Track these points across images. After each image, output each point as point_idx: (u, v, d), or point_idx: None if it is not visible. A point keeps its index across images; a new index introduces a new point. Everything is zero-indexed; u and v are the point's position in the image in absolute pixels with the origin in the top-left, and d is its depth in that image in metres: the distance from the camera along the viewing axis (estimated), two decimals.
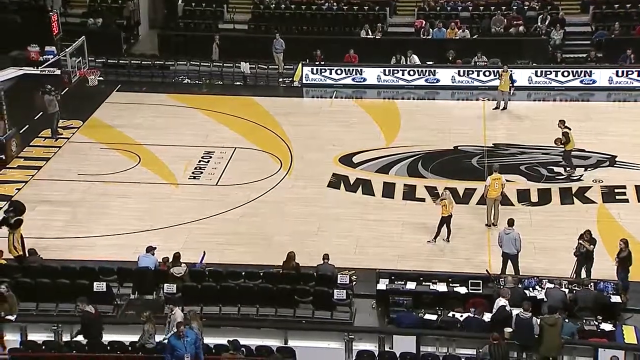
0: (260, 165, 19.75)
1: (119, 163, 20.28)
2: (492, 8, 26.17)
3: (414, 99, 23.47)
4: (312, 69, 24.56)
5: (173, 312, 12.91)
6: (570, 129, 18.42)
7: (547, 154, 19.70)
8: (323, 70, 24.49)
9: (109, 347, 12.54)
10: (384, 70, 24.23)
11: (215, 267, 15.16)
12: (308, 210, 17.70)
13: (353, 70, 24.34)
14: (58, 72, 22.37)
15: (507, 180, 17.48)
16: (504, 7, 26.05)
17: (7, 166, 19.84)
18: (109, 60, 25.95)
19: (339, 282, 14.12)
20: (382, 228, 16.86)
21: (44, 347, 12.80)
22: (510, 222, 14.95)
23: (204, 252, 15.53)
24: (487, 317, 12.81)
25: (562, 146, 18.44)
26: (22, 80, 21.18)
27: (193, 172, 19.80)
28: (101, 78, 24.74)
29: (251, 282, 14.52)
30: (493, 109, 21.75)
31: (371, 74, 24.24)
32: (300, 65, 24.66)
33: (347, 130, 21.40)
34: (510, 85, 21.58)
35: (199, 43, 25.92)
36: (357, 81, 24.43)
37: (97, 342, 12.70)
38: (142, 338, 12.54)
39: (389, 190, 18.28)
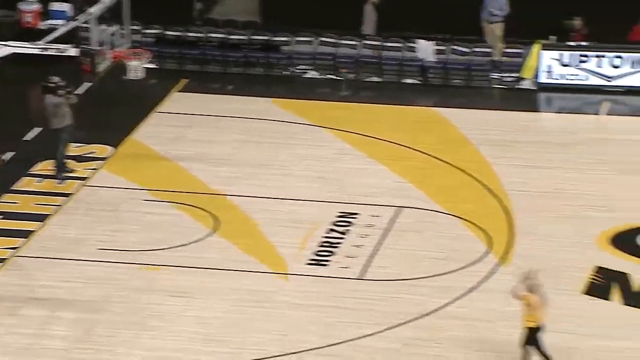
0: (451, 244, 17.73)
1: (179, 229, 18.68)
2: None
3: None
4: (562, 55, 23.20)
5: None
6: None
7: None
8: (583, 59, 22.88)
9: None
10: None
11: None
12: (547, 339, 14.56)
13: None
14: (74, 51, 22.31)
15: None
16: None
17: None
18: (167, 33, 25.29)
19: None
20: None
21: None
22: None
23: None
24: None
25: None
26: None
27: (318, 252, 17.80)
28: (152, 65, 24.28)
29: None
30: None
31: None
32: (536, 47, 23.31)
33: (631, 180, 19.53)
34: None
35: (335, 2, 24.89)
36: None
37: None
38: None
39: None
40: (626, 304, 15.98)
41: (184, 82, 23.96)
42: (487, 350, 14.71)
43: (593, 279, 16.68)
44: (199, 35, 24.97)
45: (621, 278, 16.62)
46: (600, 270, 16.82)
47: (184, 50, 24.69)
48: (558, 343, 14.95)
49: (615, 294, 16.30)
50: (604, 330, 15.43)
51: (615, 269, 16.78)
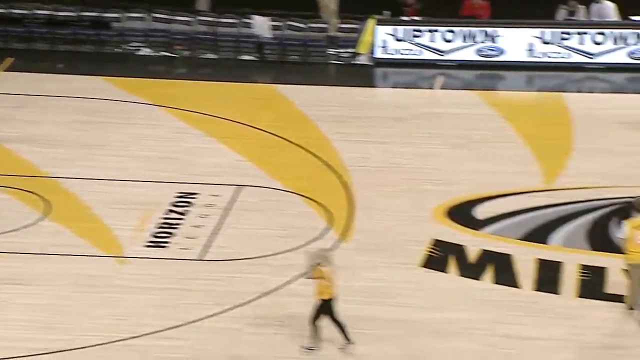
0: (292, 221, 17.86)
1: (8, 214, 18.27)
2: None
3: (603, 91, 22.29)
4: (396, 30, 23.26)
5: None
6: None
7: None
8: (417, 33, 23.09)
9: None
10: (541, 33, 23.07)
11: None
12: (377, 320, 15.22)
13: (478, 32, 23.17)
14: None
15: None
16: None
17: None
18: None
19: None
20: None
21: None
22: None
23: None
24: None
25: None
26: None
27: (156, 234, 17.70)
28: None
29: None
30: None
31: (514, 40, 23.24)
32: (371, 22, 23.34)
33: (465, 154, 19.85)
34: None
35: None
36: (485, 54, 22.87)
37: None
38: None
39: (549, 277, 16.09)
40: (462, 276, 16.43)
41: (9, 61, 23.45)
42: (329, 325, 14.89)
43: (430, 251, 17.06)
44: (24, 12, 24.42)
45: (457, 250, 17.06)
46: (437, 242, 17.22)
47: (9, 27, 24.14)
48: (397, 316, 15.24)
49: (452, 266, 16.73)
50: (441, 302, 15.81)
51: (451, 242, 17.20)
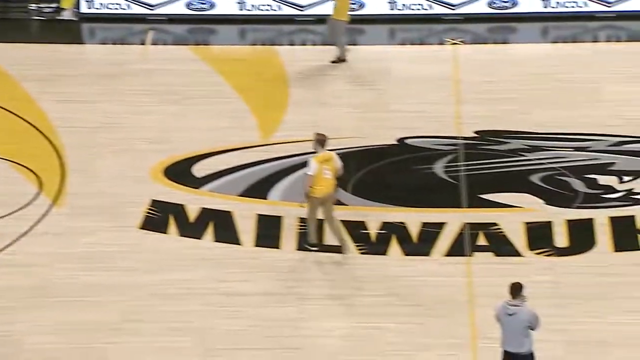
0: (1, 188, 17.51)
1: None
2: None
3: (315, 43, 22.52)
4: None
5: None
6: None
7: (582, 148, 18.49)
8: None
9: None
10: None
11: None
12: (99, 286, 15.15)
13: None
14: None
15: (506, 205, 17.07)
16: None
17: None
18: None
19: None
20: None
21: None
22: (517, 290, 12.90)
23: None
24: None
25: None
26: None
27: None
28: None
29: None
30: (332, 62, 21.30)
31: None
32: None
33: (180, 110, 19.86)
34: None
35: None
36: (197, 8, 22.75)
37: None
38: None
39: (267, 232, 16.64)
40: (183, 235, 16.52)
41: None
42: (42, 296, 14.52)
43: (149, 212, 17.06)
44: None
45: (177, 210, 17.16)
46: (156, 203, 17.25)
47: None
48: (118, 280, 15.19)
49: (172, 226, 16.82)
50: (162, 264, 15.86)
51: (170, 201, 17.27)
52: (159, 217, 17.09)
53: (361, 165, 18.22)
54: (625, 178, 18.09)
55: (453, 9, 22.81)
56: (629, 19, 22.54)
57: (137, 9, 23.27)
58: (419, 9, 22.93)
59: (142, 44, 22.95)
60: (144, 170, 18.11)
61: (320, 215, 15.68)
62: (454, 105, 20.11)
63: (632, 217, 16.78)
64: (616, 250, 16.22)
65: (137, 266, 15.70)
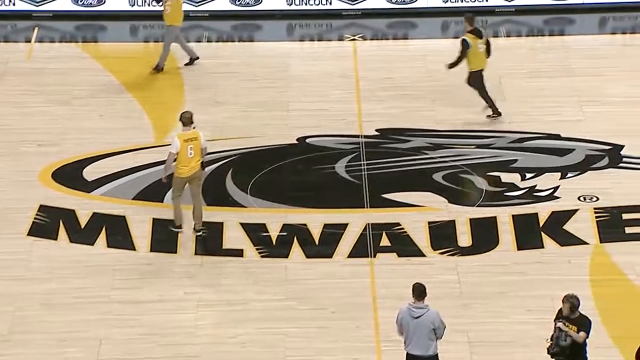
0: None
1: None
2: None
3: (210, 40, 21.91)
4: None
5: None
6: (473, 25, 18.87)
7: (484, 145, 18.54)
8: None
9: None
10: None
11: None
12: None
13: None
14: None
15: (409, 205, 17.02)
16: None
17: None
18: None
19: None
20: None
21: None
22: (420, 292, 12.84)
23: None
24: None
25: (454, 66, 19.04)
26: None
27: None
28: None
29: None
30: (186, 64, 21.14)
31: None
32: None
33: (69, 111, 19.37)
34: None
35: None
36: (85, 3, 22.85)
37: None
38: None
39: (163, 237, 16.29)
40: (73, 242, 16.16)
41: None
42: None
43: (38, 218, 16.71)
44: None
45: (67, 215, 16.81)
46: (45, 208, 16.88)
47: None
48: (6, 290, 14.75)
49: (62, 233, 16.47)
50: (52, 272, 15.50)
51: (60, 206, 16.93)
52: (48, 223, 16.72)
53: (261, 165, 18.05)
54: (528, 175, 18.21)
55: (352, 4, 22.71)
56: (529, 14, 22.77)
57: (21, 5, 22.76)
58: (317, 4, 22.84)
59: (28, 41, 22.49)
60: (31, 174, 17.70)
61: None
62: (355, 103, 20.02)
63: (535, 214, 16.92)
64: (519, 249, 16.33)
65: (26, 275, 15.31)
